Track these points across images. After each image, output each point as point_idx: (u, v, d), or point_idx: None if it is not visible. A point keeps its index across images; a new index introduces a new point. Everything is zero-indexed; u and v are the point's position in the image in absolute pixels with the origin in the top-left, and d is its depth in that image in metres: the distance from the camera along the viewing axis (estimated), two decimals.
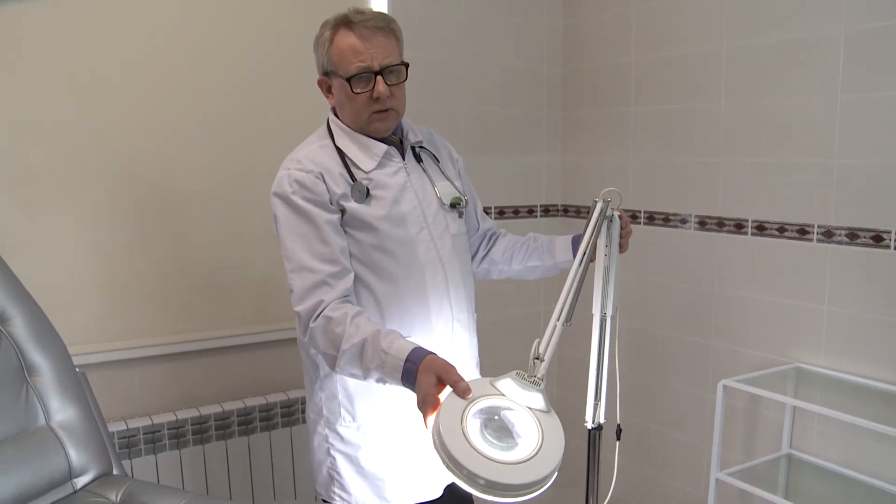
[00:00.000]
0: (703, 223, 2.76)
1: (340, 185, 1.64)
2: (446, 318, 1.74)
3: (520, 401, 1.32)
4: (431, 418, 1.30)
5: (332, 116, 1.75)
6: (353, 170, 1.67)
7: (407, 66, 1.67)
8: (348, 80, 1.61)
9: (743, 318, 2.64)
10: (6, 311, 1.85)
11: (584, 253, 1.50)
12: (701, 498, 2.82)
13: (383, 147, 1.70)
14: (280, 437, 2.56)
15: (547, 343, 1.38)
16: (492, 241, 2.01)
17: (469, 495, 1.59)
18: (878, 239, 2.26)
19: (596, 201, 1.53)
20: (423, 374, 1.36)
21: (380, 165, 1.69)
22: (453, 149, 1.96)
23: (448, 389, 1.32)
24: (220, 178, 2.51)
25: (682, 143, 2.81)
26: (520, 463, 1.23)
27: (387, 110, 1.65)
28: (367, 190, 1.65)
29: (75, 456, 1.85)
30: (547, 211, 3.35)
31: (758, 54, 2.52)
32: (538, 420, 1.30)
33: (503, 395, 1.33)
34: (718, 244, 2.71)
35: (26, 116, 2.19)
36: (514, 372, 1.35)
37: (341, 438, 1.73)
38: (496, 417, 1.30)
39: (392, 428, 1.72)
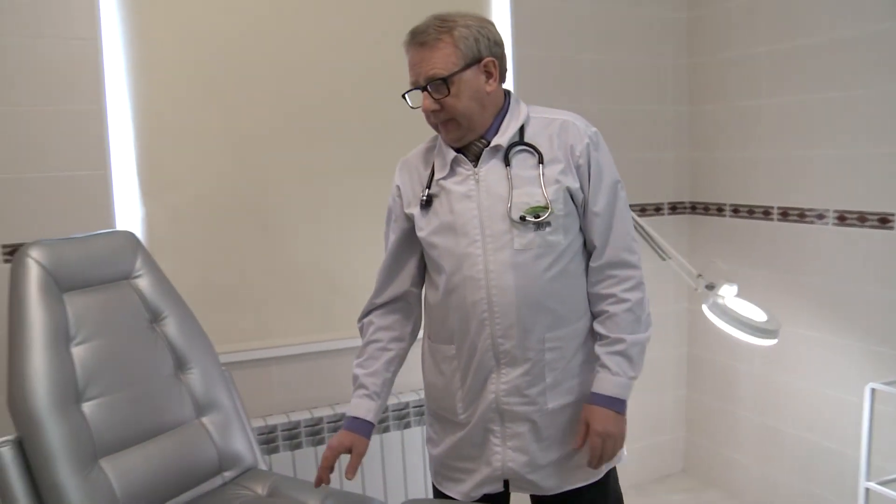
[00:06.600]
0: (842, 218, 2.62)
1: (417, 191, 1.70)
2: (486, 345, 1.62)
3: None
4: None
5: None
6: (435, 177, 1.67)
7: (452, 76, 1.53)
8: (403, 96, 1.64)
9: None
10: (161, 310, 1.96)
11: None
12: None
13: (452, 154, 1.63)
14: (413, 435, 2.60)
15: None
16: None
17: None
18: None
19: None
20: None
21: (451, 173, 1.64)
22: (580, 143, 1.61)
23: None
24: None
25: (820, 134, 2.68)
26: None
27: (446, 122, 1.60)
28: (431, 198, 1.66)
29: (224, 450, 1.94)
30: (674, 208, 3.26)
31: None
32: None
33: None
34: (859, 241, 2.57)
35: (161, 124, 2.31)
36: None
37: None
38: None
39: None
